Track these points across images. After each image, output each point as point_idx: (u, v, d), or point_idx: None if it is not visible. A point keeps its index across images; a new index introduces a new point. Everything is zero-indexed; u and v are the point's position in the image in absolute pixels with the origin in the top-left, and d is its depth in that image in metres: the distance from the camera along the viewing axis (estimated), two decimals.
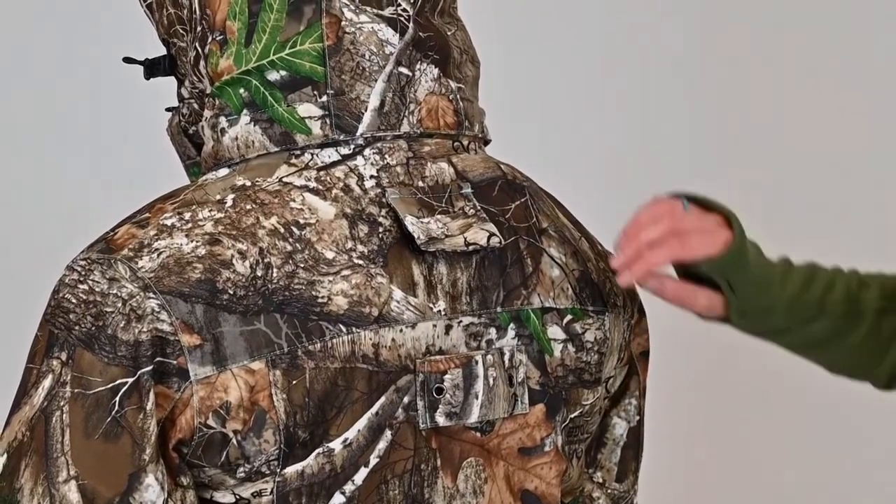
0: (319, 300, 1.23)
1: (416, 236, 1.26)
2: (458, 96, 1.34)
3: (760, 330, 1.46)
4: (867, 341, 1.45)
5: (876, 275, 1.50)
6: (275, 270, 1.22)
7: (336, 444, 1.24)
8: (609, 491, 1.48)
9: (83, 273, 1.22)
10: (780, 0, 2.87)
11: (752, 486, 2.90)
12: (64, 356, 1.21)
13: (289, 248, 1.23)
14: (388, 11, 1.31)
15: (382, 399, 1.25)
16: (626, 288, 1.40)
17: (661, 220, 1.34)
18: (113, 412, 1.19)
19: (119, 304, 1.20)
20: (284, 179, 1.27)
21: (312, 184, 1.27)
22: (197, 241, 1.22)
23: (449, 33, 1.35)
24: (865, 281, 1.48)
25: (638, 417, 1.48)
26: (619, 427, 1.48)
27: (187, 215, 1.24)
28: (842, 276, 1.48)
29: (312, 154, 1.28)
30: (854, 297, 1.45)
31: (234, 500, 1.24)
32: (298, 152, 1.29)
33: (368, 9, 1.30)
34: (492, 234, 1.29)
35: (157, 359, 1.19)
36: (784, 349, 1.51)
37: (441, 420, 1.27)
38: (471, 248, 1.28)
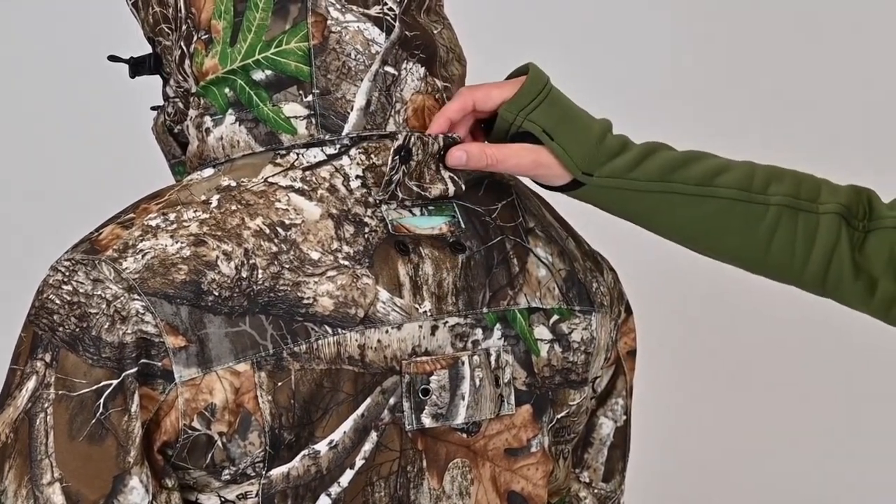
0: (305, 301, 1.22)
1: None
2: (444, 95, 1.34)
3: (618, 199, 1.37)
4: (777, 237, 1.39)
5: (798, 172, 1.42)
6: (260, 271, 1.22)
7: (322, 446, 1.23)
8: (596, 491, 1.48)
9: (67, 274, 1.22)
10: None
11: (749, 485, 2.91)
12: (48, 357, 1.20)
13: (274, 248, 1.23)
14: (374, 10, 1.30)
15: (368, 400, 1.25)
16: (454, 164, 1.31)
17: (455, 96, 1.33)
18: (97, 414, 1.18)
19: (103, 306, 1.20)
20: (270, 179, 1.26)
21: (298, 184, 1.26)
22: (182, 242, 1.22)
23: (435, 32, 1.35)
24: (779, 175, 1.40)
25: (625, 417, 1.48)
26: (606, 427, 1.47)
27: (172, 216, 1.24)
28: (752, 166, 1.40)
29: (298, 154, 1.28)
30: (759, 186, 1.37)
31: (219, 502, 1.24)
32: (284, 152, 1.28)
33: (354, 8, 1.29)
34: (452, 186, 1.30)
35: (142, 360, 1.19)
36: (666, 236, 1.42)
37: (427, 421, 1.27)
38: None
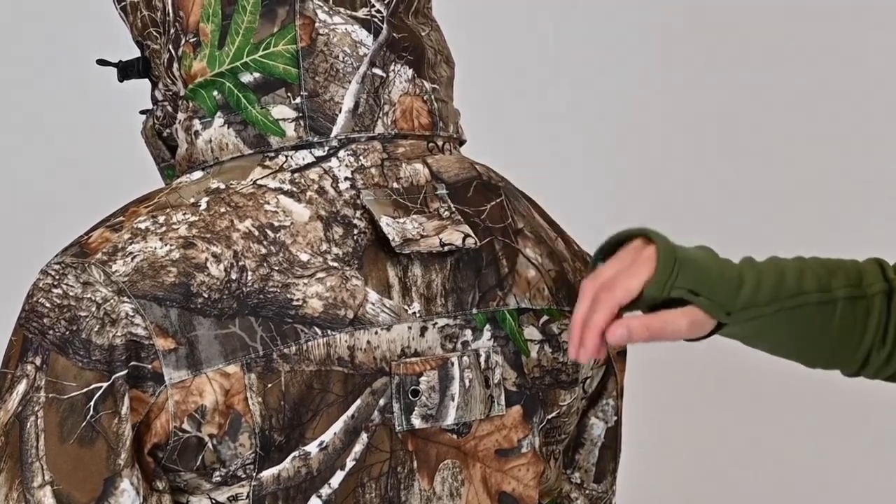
0: (294, 303, 1.22)
1: (391, 238, 1.25)
2: (432, 97, 1.34)
3: (754, 328, 1.41)
4: (842, 329, 1.44)
5: (835, 261, 1.47)
6: (249, 273, 1.22)
7: (312, 448, 1.24)
8: (587, 492, 1.48)
9: (57, 277, 1.22)
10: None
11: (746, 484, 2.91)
12: (38, 361, 1.20)
13: (263, 250, 1.23)
14: (361, 13, 1.30)
15: (358, 402, 1.25)
16: (594, 356, 1.30)
17: (583, 295, 1.30)
18: (88, 417, 1.19)
19: (93, 309, 1.20)
20: (258, 182, 1.27)
21: (287, 186, 1.27)
22: (171, 245, 1.22)
23: (423, 34, 1.35)
24: (830, 268, 1.46)
25: (616, 418, 1.48)
26: (597, 428, 1.47)
27: (161, 219, 1.24)
28: (806, 263, 1.45)
29: (286, 156, 1.28)
30: (825, 284, 1.44)
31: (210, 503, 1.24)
32: (272, 154, 1.28)
33: (342, 10, 1.30)
34: (467, 236, 1.28)
35: (132, 363, 1.19)
36: (774, 352, 1.48)
37: (417, 422, 1.27)
38: (446, 248, 1.28)
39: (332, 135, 1.28)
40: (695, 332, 1.35)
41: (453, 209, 1.30)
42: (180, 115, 1.33)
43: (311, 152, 1.28)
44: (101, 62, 1.47)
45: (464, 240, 1.28)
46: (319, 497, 1.25)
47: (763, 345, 1.45)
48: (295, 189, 1.26)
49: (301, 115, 1.28)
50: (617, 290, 1.29)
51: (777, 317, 1.39)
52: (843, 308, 1.42)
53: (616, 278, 1.30)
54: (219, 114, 1.30)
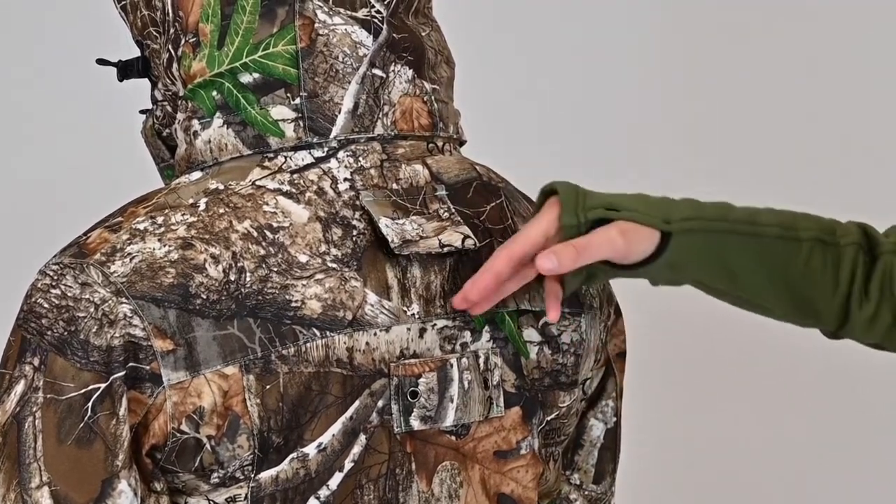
0: (293, 304, 1.22)
1: (389, 239, 1.25)
2: (432, 97, 1.33)
3: (702, 247, 1.35)
4: (811, 272, 1.41)
5: (809, 214, 1.43)
6: (248, 275, 1.22)
7: (310, 449, 1.23)
8: (586, 493, 1.48)
9: (56, 278, 1.22)
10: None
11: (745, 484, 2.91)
12: (36, 361, 1.20)
13: (262, 252, 1.23)
14: (361, 13, 1.30)
15: (357, 403, 1.25)
16: (548, 272, 1.27)
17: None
18: (85, 418, 1.18)
19: (91, 309, 1.19)
20: (257, 183, 1.26)
21: (286, 187, 1.26)
22: (170, 246, 1.22)
23: (423, 34, 1.34)
24: (800, 215, 1.42)
25: (615, 419, 1.48)
26: (596, 429, 1.47)
27: (160, 219, 1.24)
28: (769, 208, 1.41)
29: (286, 157, 1.28)
30: (789, 224, 1.39)
31: None
32: (271, 155, 1.28)
33: (342, 10, 1.29)
34: (466, 237, 1.28)
35: (130, 364, 1.19)
36: (738, 294, 1.41)
37: (416, 424, 1.27)
38: (445, 249, 1.27)
39: (332, 136, 1.28)
40: (635, 248, 1.31)
41: (453, 210, 1.30)
42: (179, 116, 1.33)
43: (310, 153, 1.28)
44: (101, 62, 1.47)
45: (463, 241, 1.28)
46: (318, 499, 1.24)
47: (720, 280, 1.38)
48: (294, 190, 1.26)
49: (300, 115, 1.28)
50: (515, 241, 1.28)
51: (728, 239, 1.35)
52: (811, 249, 1.39)
53: (519, 235, 1.29)
54: (218, 114, 1.30)
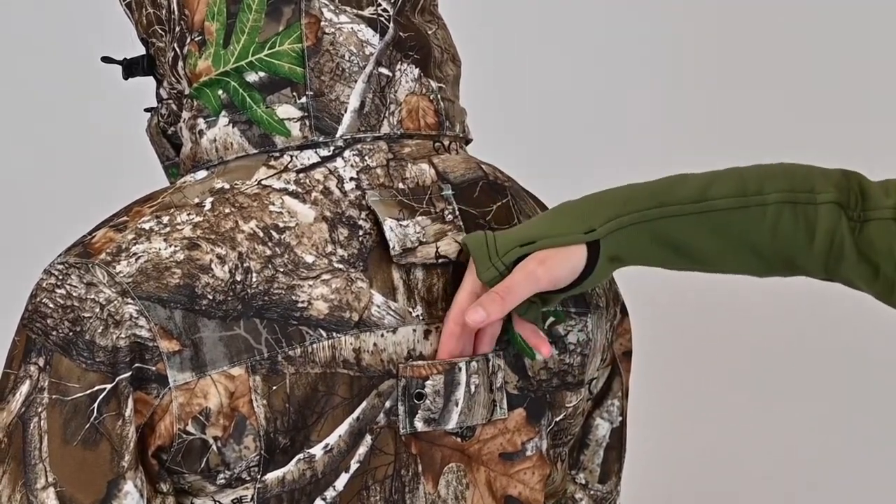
0: (299, 305, 1.22)
1: (391, 245, 1.25)
2: (438, 96, 1.33)
3: (639, 235, 1.32)
4: (782, 233, 1.37)
5: (792, 165, 1.39)
6: (254, 275, 1.21)
7: (317, 450, 1.23)
8: (592, 492, 1.48)
9: (61, 277, 1.21)
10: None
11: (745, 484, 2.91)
12: (41, 362, 1.20)
13: (268, 252, 1.22)
14: (368, 11, 1.30)
15: (364, 404, 1.24)
16: (477, 325, 1.26)
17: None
18: (91, 419, 1.18)
19: (97, 310, 1.19)
20: (263, 182, 1.26)
21: (292, 186, 1.26)
22: (175, 246, 1.21)
23: (429, 32, 1.34)
24: (775, 173, 1.37)
25: (621, 418, 1.48)
26: (602, 428, 1.47)
27: (165, 219, 1.23)
28: (734, 170, 1.37)
29: (291, 156, 1.27)
30: (754, 189, 1.34)
31: None
32: (277, 154, 1.28)
33: (348, 9, 1.29)
34: (461, 250, 1.28)
35: (136, 365, 1.18)
36: (691, 268, 1.38)
37: (420, 425, 1.26)
38: (440, 261, 1.27)
39: (338, 135, 1.28)
40: (560, 272, 1.28)
41: (457, 213, 1.30)
42: (185, 114, 1.33)
43: (316, 152, 1.28)
44: (106, 59, 1.47)
45: (459, 254, 1.27)
46: (324, 500, 1.24)
47: (670, 261, 1.36)
48: (300, 189, 1.26)
49: (306, 114, 1.27)
50: (452, 309, 1.27)
51: (667, 223, 1.32)
52: (778, 212, 1.34)
53: (455, 304, 1.27)
54: (223, 113, 1.29)
